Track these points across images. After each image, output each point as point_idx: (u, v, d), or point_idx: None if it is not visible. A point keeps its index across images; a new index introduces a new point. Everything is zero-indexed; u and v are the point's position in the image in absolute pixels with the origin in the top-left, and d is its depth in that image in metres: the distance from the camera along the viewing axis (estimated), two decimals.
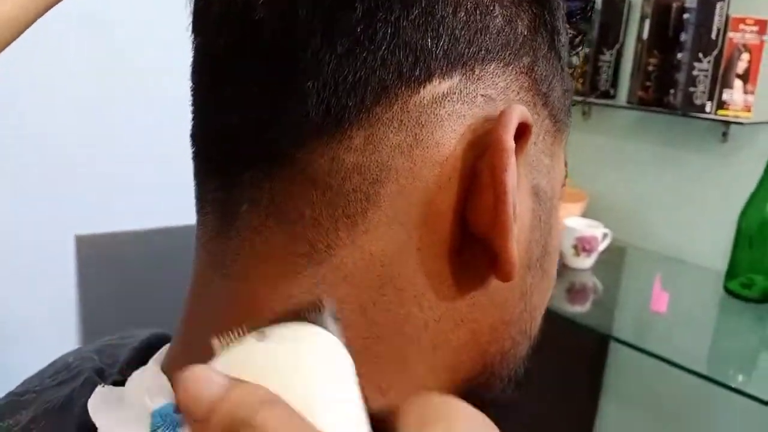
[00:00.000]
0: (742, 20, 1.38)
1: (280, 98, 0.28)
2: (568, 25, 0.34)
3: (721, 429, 1.55)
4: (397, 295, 0.29)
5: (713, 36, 1.39)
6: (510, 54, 0.30)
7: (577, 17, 0.35)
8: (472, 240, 0.29)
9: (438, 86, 0.28)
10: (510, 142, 0.28)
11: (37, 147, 1.41)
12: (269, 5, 0.28)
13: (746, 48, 1.39)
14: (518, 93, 0.30)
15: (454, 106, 0.29)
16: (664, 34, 1.46)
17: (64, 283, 1.51)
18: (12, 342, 1.45)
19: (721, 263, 1.44)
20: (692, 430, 1.62)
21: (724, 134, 1.51)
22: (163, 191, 1.60)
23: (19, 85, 1.36)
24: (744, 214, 1.37)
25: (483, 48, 0.29)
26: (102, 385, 0.33)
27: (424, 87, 0.28)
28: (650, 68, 1.49)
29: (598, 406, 1.78)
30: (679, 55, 1.42)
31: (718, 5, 1.38)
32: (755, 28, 1.38)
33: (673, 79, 1.44)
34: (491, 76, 0.29)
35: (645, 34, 1.49)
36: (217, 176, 0.31)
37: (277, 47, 0.28)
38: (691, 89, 1.42)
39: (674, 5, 1.44)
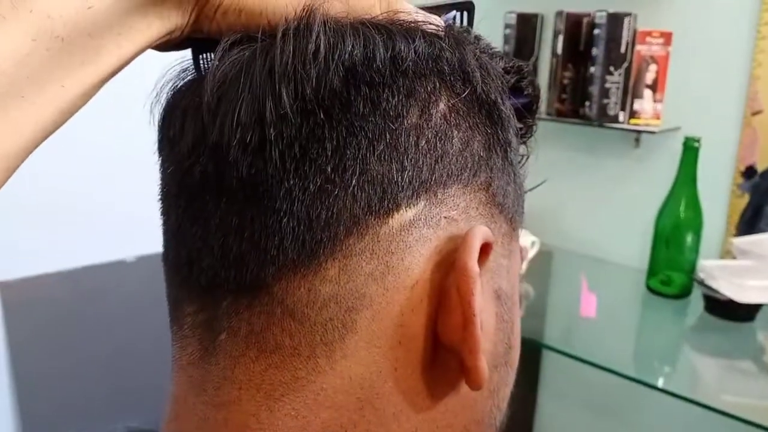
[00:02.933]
0: (649, 33, 1.45)
1: (256, 233, 0.29)
2: (516, 120, 0.36)
3: (654, 421, 1.64)
4: (377, 415, 0.30)
5: (622, 50, 1.46)
6: (468, 174, 0.32)
7: (525, 112, 0.37)
8: (443, 350, 0.31)
9: (405, 214, 0.30)
10: (475, 268, 0.29)
11: None
12: (242, 146, 0.29)
13: (653, 59, 1.46)
14: (477, 209, 0.32)
15: (421, 231, 0.30)
16: (577, 49, 1.52)
17: None
18: None
19: (642, 261, 1.52)
20: (627, 427, 1.71)
21: (637, 140, 1.59)
22: (85, 230, 1.56)
23: None
24: (660, 216, 1.45)
25: (444, 173, 0.31)
26: None
27: (392, 216, 0.29)
28: (565, 81, 1.55)
29: (536, 410, 1.85)
30: (592, 69, 1.49)
31: (626, 20, 1.45)
32: (661, 40, 1.45)
33: (587, 91, 1.50)
34: (452, 198, 0.31)
35: (559, 49, 1.55)
36: (194, 301, 0.32)
37: (251, 185, 0.29)
38: (605, 101, 1.49)
39: (585, 21, 1.51)
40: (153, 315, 1.53)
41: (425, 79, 0.31)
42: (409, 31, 0.31)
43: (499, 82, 0.33)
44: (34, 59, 0.26)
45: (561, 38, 1.54)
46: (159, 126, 0.33)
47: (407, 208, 0.30)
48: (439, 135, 0.31)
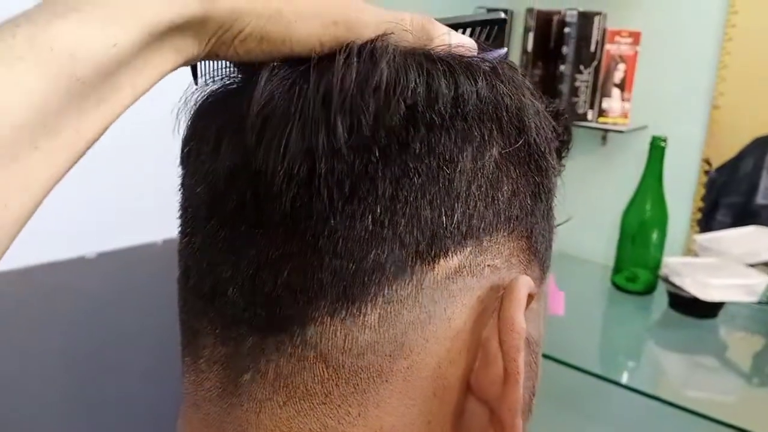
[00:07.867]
0: (618, 33, 1.47)
1: (293, 271, 0.27)
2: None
3: (618, 417, 1.67)
4: None
5: (592, 48, 1.47)
6: (514, 222, 0.30)
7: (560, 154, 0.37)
8: (472, 399, 0.30)
9: (450, 261, 0.28)
10: (523, 324, 0.28)
11: None
12: (288, 177, 0.27)
13: (622, 59, 1.47)
14: (518, 256, 0.31)
15: (465, 281, 0.29)
16: (547, 47, 1.53)
17: None
18: None
19: (608, 258, 1.54)
20: (592, 423, 1.74)
21: (604, 138, 1.60)
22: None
23: None
24: (626, 214, 1.47)
25: (493, 220, 0.29)
26: None
27: (438, 263, 0.28)
28: (535, 79, 1.55)
29: None
30: (562, 67, 1.49)
31: (596, 19, 1.46)
32: (629, 40, 1.46)
33: (557, 89, 1.51)
34: (497, 245, 0.30)
35: (529, 47, 1.55)
36: (214, 334, 0.30)
37: (293, 219, 0.27)
38: (574, 99, 1.50)
39: (555, 19, 1.51)
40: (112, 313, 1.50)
41: (482, 125, 0.29)
42: (470, 68, 0.29)
43: (550, 132, 0.32)
44: (51, 105, 0.23)
45: (531, 35, 1.54)
46: (187, 137, 0.31)
47: (453, 255, 0.28)
48: (491, 181, 0.29)
